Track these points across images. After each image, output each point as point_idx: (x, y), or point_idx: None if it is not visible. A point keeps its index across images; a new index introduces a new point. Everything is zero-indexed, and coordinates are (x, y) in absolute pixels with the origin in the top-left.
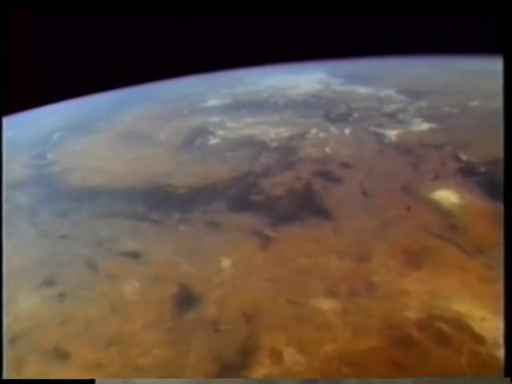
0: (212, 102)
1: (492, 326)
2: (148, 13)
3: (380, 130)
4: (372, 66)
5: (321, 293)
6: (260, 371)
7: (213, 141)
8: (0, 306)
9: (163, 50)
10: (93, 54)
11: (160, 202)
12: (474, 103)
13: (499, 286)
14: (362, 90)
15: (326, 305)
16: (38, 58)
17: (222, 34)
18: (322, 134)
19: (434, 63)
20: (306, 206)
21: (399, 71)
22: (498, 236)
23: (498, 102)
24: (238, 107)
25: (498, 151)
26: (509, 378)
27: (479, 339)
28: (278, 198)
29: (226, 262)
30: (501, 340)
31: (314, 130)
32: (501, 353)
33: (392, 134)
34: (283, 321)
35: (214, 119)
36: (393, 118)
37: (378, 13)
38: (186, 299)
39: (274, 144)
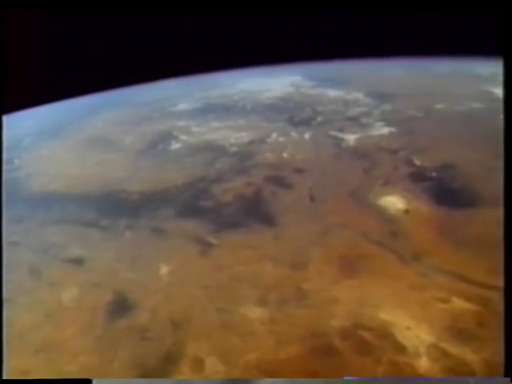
0: (182, 106)
1: (415, 335)
2: (127, 17)
3: (340, 135)
4: (348, 68)
5: (251, 301)
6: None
7: (175, 146)
8: (0, 306)
9: (143, 54)
10: (74, 56)
11: (111, 208)
12: (440, 106)
13: (429, 295)
14: (332, 92)
15: (255, 313)
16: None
17: (201, 36)
18: (281, 139)
19: (411, 65)
20: (252, 212)
21: (373, 74)
22: (437, 243)
23: (463, 106)
24: (206, 111)
25: (453, 155)
26: (509, 378)
27: (400, 348)
28: (226, 204)
29: (164, 269)
30: (421, 349)
31: (274, 135)
32: (419, 362)
33: (351, 138)
34: (210, 329)
35: (181, 124)
36: (356, 121)
37: (358, 15)
38: (120, 306)
39: (233, 149)
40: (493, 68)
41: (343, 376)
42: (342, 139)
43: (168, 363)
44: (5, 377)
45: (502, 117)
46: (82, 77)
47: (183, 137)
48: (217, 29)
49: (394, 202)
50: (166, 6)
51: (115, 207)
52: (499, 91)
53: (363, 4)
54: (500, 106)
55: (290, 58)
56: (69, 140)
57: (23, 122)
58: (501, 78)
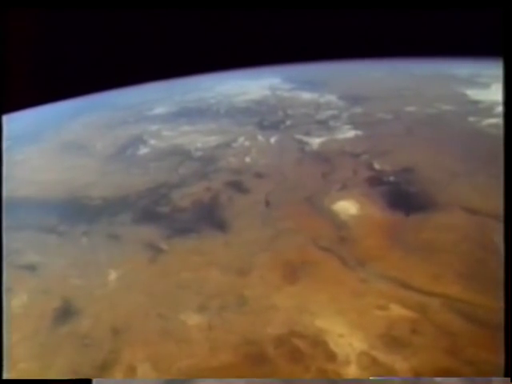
0: (159, 110)
1: (347, 343)
2: (112, 20)
3: (305, 138)
4: (328, 70)
5: (192, 308)
6: None
7: (143, 150)
8: (0, 306)
9: (126, 56)
10: (58, 59)
11: (72, 214)
12: (410, 109)
13: (367, 301)
14: (307, 95)
15: (193, 320)
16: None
17: (184, 39)
18: (247, 143)
19: (391, 67)
20: (206, 217)
21: (352, 75)
22: (385, 248)
23: (434, 108)
24: (180, 115)
25: (414, 159)
26: (509, 378)
27: (330, 356)
28: (183, 210)
29: (112, 276)
30: (352, 357)
31: (241, 139)
32: (347, 370)
33: (315, 142)
34: (148, 336)
35: (153, 128)
36: (323, 125)
37: (340, 16)
38: (65, 313)
39: (199, 153)
40: (470, 69)
41: None
42: (307, 143)
43: (103, 370)
44: (5, 377)
45: (470, 119)
46: (67, 80)
47: (152, 141)
48: (198, 31)
49: (347, 207)
50: (152, 7)
51: (76, 213)
52: (473, 93)
53: (347, 3)
54: (470, 108)
55: (273, 59)
56: (45, 145)
57: (7, 125)
58: (477, 80)
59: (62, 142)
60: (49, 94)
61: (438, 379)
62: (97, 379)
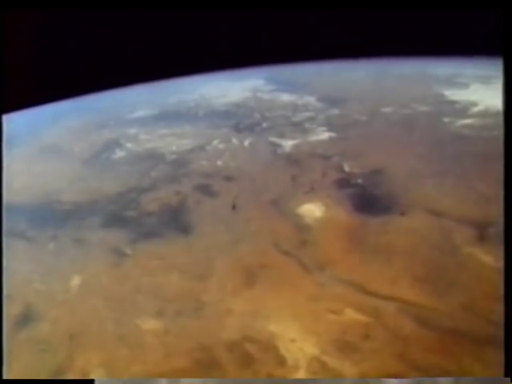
0: (139, 113)
1: (299, 348)
2: (97, 21)
3: (278, 141)
4: (312, 71)
5: (149, 313)
6: None
7: (118, 154)
8: (0, 306)
9: (111, 59)
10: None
11: (42, 219)
12: (386, 110)
13: (323, 306)
14: (286, 97)
15: (150, 325)
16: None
17: (168, 41)
18: (221, 146)
19: (374, 67)
20: (172, 221)
21: (335, 76)
22: (345, 252)
23: (409, 109)
24: (159, 118)
25: (384, 161)
26: (509, 379)
27: (280, 361)
28: (150, 214)
29: (75, 281)
30: (302, 362)
31: (215, 142)
32: (296, 375)
33: (288, 144)
34: (104, 341)
35: (131, 131)
36: (299, 127)
37: (327, 16)
38: (26, 318)
39: (172, 157)
40: (451, 69)
41: None
42: (280, 145)
43: (56, 376)
44: (5, 377)
45: (445, 120)
46: (49, 83)
47: (128, 145)
48: (182, 33)
49: (312, 210)
50: (135, 8)
51: (46, 218)
52: (451, 93)
53: (335, 3)
54: (446, 108)
55: (258, 60)
56: (24, 149)
57: None
58: (456, 80)
59: (41, 146)
60: (32, 97)
61: (439, 379)
62: (99, 379)
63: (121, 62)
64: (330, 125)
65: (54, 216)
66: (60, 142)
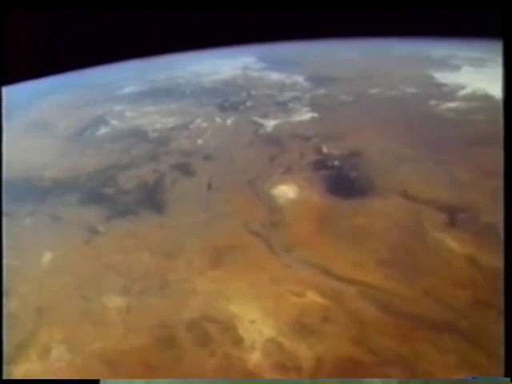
0: (128, 90)
1: (257, 329)
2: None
3: (261, 120)
4: (304, 50)
5: (116, 290)
6: (23, 367)
7: (102, 131)
8: (0, 306)
9: (103, 34)
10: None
11: (22, 194)
12: (373, 91)
13: (285, 288)
14: (275, 76)
15: (114, 302)
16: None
17: (162, 17)
18: (204, 125)
19: (368, 47)
20: (147, 200)
21: (327, 56)
22: (315, 234)
23: (397, 90)
24: (147, 95)
25: (363, 143)
26: (509, 379)
27: (238, 342)
28: (127, 192)
29: (47, 257)
30: (258, 343)
31: (198, 120)
32: (251, 356)
33: (270, 124)
34: (69, 317)
35: (117, 108)
36: (283, 106)
37: None
38: None
39: (155, 135)
40: (446, 50)
41: (176, 369)
42: (262, 125)
43: (20, 351)
44: (5, 377)
45: (431, 103)
46: (42, 58)
47: (114, 122)
48: (177, 9)
49: (285, 192)
50: None
51: (26, 194)
52: (441, 75)
53: None
54: (434, 91)
55: (251, 38)
56: (12, 125)
57: None
58: (449, 62)
59: (29, 122)
60: (24, 72)
61: (439, 380)
62: (104, 380)
63: (114, 38)
64: (314, 105)
65: (34, 192)
66: (47, 118)
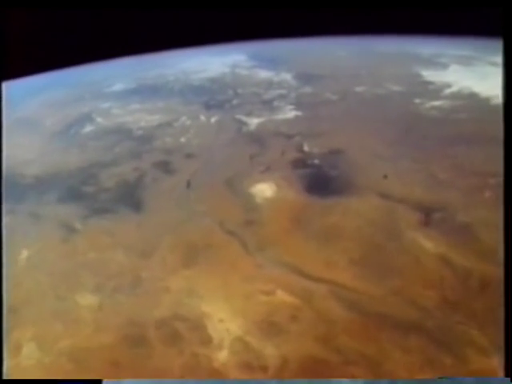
0: (117, 87)
1: (225, 328)
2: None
3: (245, 119)
4: (295, 47)
5: (89, 288)
6: None
7: (88, 128)
8: (0, 305)
9: (97, 32)
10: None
11: (3, 192)
12: (359, 89)
13: (256, 287)
14: (264, 73)
15: (86, 300)
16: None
17: (155, 15)
18: (188, 123)
19: (359, 45)
20: (126, 198)
21: (316, 54)
22: (289, 233)
23: (382, 89)
24: (135, 93)
25: (345, 142)
26: (509, 379)
27: (206, 341)
28: (106, 190)
29: (24, 255)
30: (226, 342)
31: (183, 118)
32: (218, 355)
33: (254, 122)
34: (42, 315)
35: (105, 106)
36: (268, 105)
37: None
38: None
39: (139, 133)
40: (435, 49)
41: (144, 368)
42: (245, 123)
43: None
44: (5, 377)
45: (415, 101)
46: (34, 56)
47: (99, 119)
48: (170, 7)
49: (263, 190)
50: None
51: (6, 191)
52: (428, 74)
53: None
54: (420, 89)
55: (243, 36)
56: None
57: None
58: (438, 60)
59: (17, 119)
60: (15, 69)
61: (439, 379)
62: (106, 380)
63: (107, 35)
64: (299, 103)
65: (15, 189)
66: (35, 116)
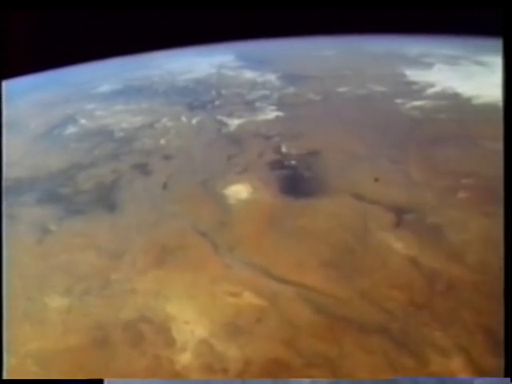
0: (104, 88)
1: (190, 330)
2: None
3: (226, 120)
4: (283, 47)
5: (59, 290)
6: None
7: (70, 130)
8: (0, 306)
9: (89, 32)
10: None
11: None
12: (342, 89)
13: (224, 288)
14: (249, 74)
15: (56, 302)
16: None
17: (144, 15)
18: (170, 124)
19: (345, 44)
20: (102, 200)
21: (303, 54)
22: (261, 234)
23: (365, 89)
24: (120, 94)
25: (324, 143)
26: (508, 379)
27: (170, 343)
28: (83, 192)
29: None
30: (190, 344)
31: (165, 120)
32: (181, 357)
33: (234, 123)
34: (11, 318)
35: (89, 107)
36: (250, 105)
37: None
38: None
39: (120, 134)
40: (421, 48)
41: (109, 370)
42: (226, 124)
43: None
44: (5, 377)
45: (397, 101)
46: (24, 56)
47: (83, 121)
48: (160, 7)
49: (238, 191)
50: None
51: None
52: (412, 73)
53: None
54: (403, 89)
55: (232, 36)
56: None
57: None
58: (423, 59)
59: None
60: (5, 70)
61: (439, 379)
62: (108, 380)
63: (96, 35)
64: (281, 104)
65: None
66: (20, 117)
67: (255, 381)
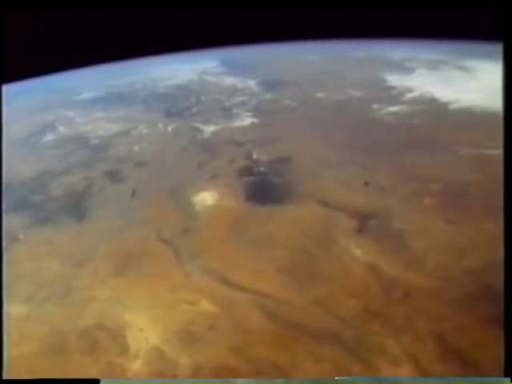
0: (86, 95)
1: (144, 337)
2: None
3: (201, 126)
4: (267, 53)
5: (20, 298)
6: None
7: (48, 137)
8: (0, 306)
9: (82, 38)
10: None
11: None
12: (319, 95)
13: (181, 296)
14: (230, 80)
15: (16, 310)
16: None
17: (132, 22)
18: (145, 131)
19: (329, 50)
20: (72, 207)
21: (286, 59)
22: (223, 241)
23: (343, 94)
24: (100, 101)
25: (295, 149)
26: (509, 379)
27: (123, 350)
28: (54, 199)
29: None
30: (142, 351)
31: (141, 127)
32: (133, 364)
33: (209, 130)
34: None
35: (69, 114)
36: (227, 112)
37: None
38: None
39: (96, 141)
40: (405, 53)
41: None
42: (201, 131)
43: None
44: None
45: (374, 106)
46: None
47: (61, 128)
48: (147, 13)
49: (205, 199)
50: None
51: None
52: (393, 78)
53: None
54: (381, 94)
55: (217, 42)
56: None
57: None
58: (405, 64)
59: None
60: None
61: (439, 379)
62: (105, 379)
63: (81, 42)
64: (257, 110)
65: None
66: (2, 123)
67: (265, 380)
